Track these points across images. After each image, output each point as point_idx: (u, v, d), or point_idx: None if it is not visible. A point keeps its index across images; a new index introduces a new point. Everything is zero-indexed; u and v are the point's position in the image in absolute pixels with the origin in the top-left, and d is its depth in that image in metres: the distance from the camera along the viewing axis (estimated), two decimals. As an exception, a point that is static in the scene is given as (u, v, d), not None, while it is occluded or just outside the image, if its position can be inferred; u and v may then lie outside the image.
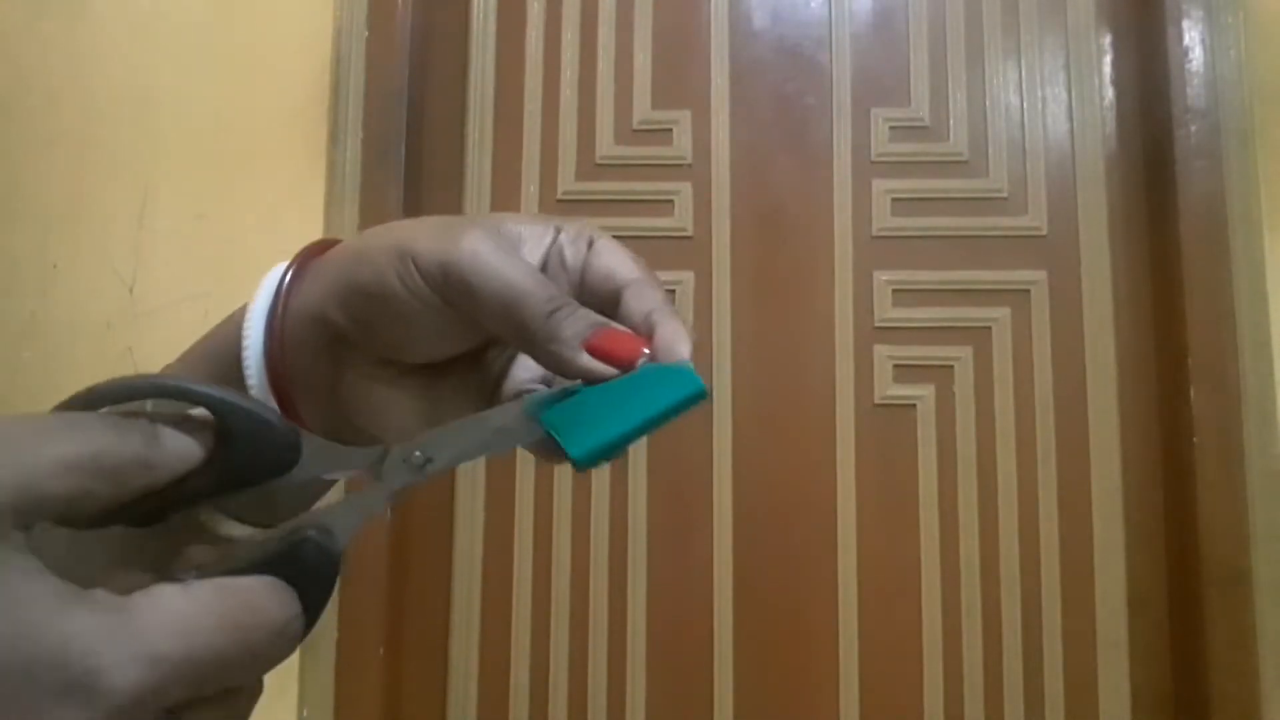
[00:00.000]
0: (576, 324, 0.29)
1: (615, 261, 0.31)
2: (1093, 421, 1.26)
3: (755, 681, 1.23)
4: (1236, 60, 1.22)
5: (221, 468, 0.25)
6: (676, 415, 0.29)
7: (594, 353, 0.29)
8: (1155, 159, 1.27)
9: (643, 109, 1.33)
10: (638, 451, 1.27)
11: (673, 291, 1.29)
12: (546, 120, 1.34)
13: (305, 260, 0.32)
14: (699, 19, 1.35)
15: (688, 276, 1.29)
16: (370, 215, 1.22)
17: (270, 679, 0.24)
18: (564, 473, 1.27)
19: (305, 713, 1.15)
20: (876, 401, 1.27)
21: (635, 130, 1.33)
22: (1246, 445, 1.15)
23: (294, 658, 1.15)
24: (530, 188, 1.32)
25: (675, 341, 0.29)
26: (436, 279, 0.29)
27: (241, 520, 0.29)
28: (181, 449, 0.24)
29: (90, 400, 0.24)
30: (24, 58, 1.29)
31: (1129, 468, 1.25)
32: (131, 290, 1.24)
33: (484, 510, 1.28)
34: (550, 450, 0.30)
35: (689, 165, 1.32)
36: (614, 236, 0.33)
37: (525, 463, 1.28)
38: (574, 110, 1.34)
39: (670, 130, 1.33)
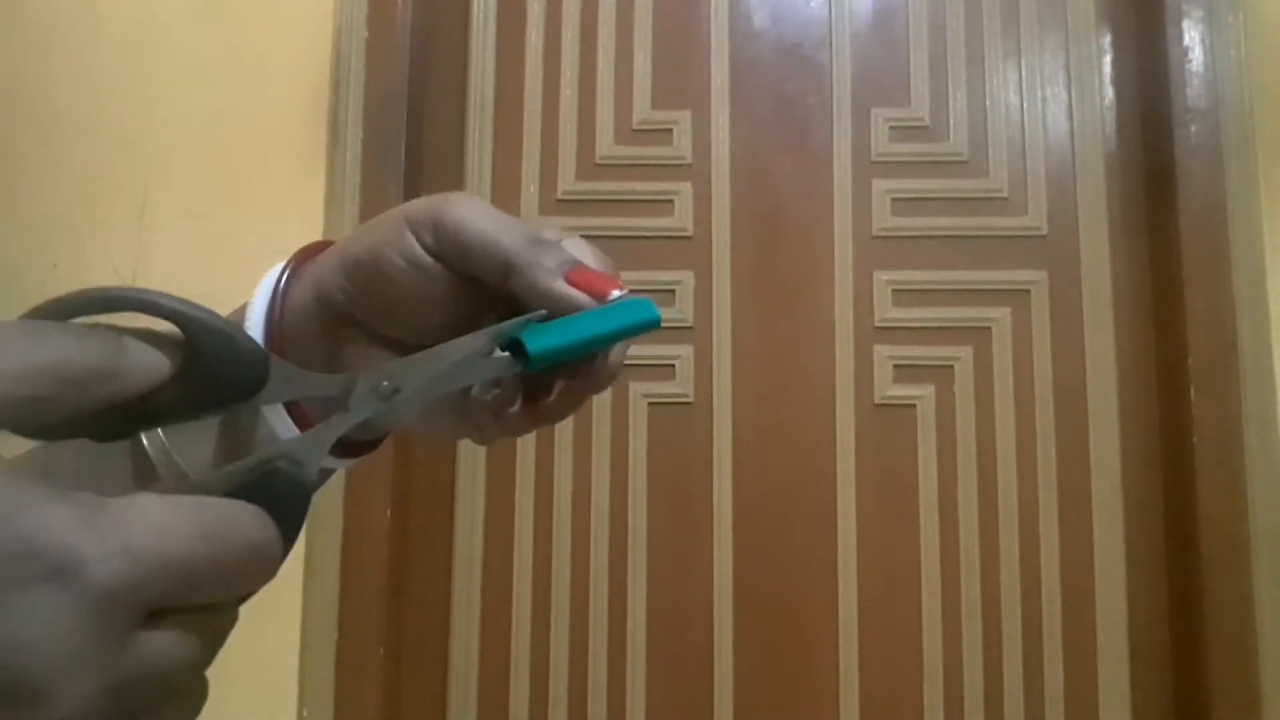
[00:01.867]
0: (559, 255, 0.32)
1: (580, 251, 0.33)
2: (1093, 421, 1.26)
3: (755, 682, 1.23)
4: (1236, 60, 1.22)
5: (188, 385, 0.25)
6: (628, 336, 0.32)
7: (571, 283, 0.31)
8: (1155, 159, 1.27)
9: (643, 109, 1.33)
10: (638, 451, 1.27)
11: (672, 291, 1.29)
12: (546, 120, 1.34)
13: (302, 259, 0.34)
14: (699, 19, 1.35)
15: (688, 276, 1.29)
16: (370, 215, 1.21)
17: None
18: (564, 473, 1.27)
19: (305, 713, 1.15)
20: (876, 401, 1.27)
21: (635, 130, 1.33)
22: (1246, 445, 1.15)
23: (294, 658, 1.16)
24: (530, 188, 1.32)
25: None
26: (429, 233, 0.31)
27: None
28: (147, 361, 0.24)
29: (56, 310, 0.24)
30: (24, 58, 1.29)
31: (1129, 468, 1.25)
32: (131, 290, 1.24)
33: (484, 510, 1.28)
34: (512, 367, 0.31)
35: (689, 165, 1.32)
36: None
37: (525, 463, 1.28)
38: (574, 110, 1.34)
39: (670, 130, 1.33)
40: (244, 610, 0.24)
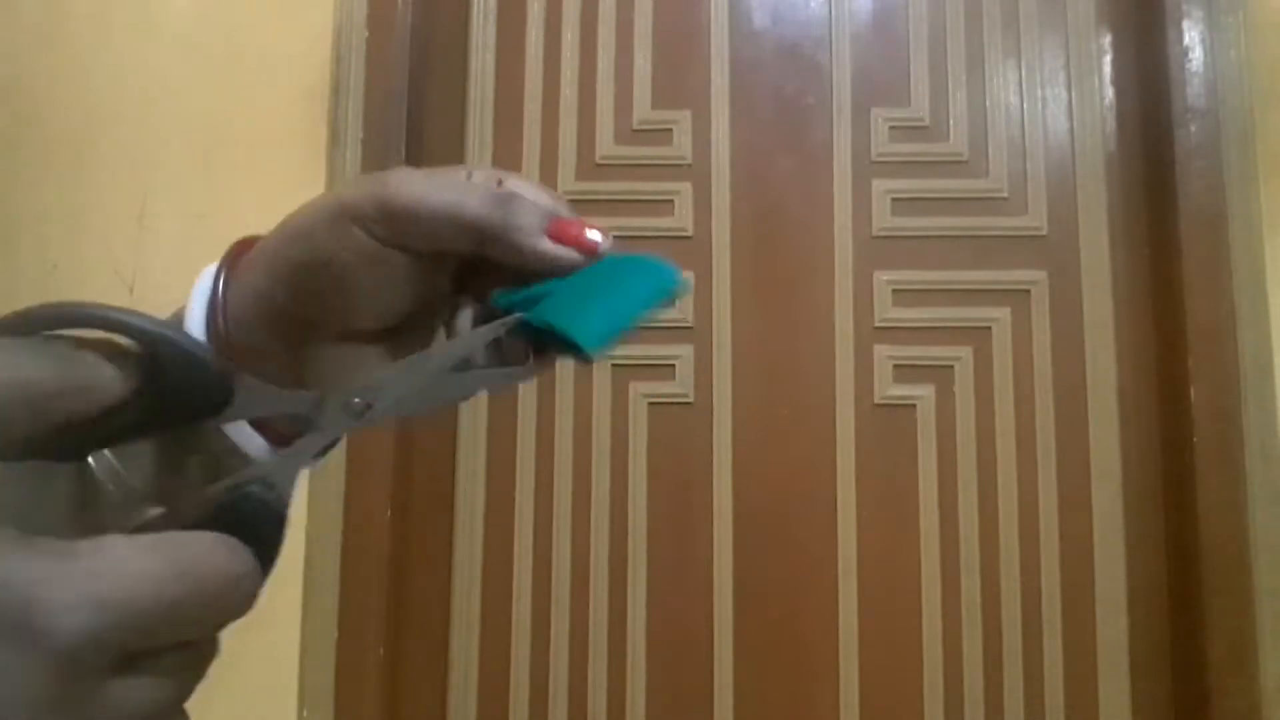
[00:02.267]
0: (531, 213, 0.29)
1: (531, 193, 0.31)
2: (1093, 421, 1.26)
3: (755, 681, 1.23)
4: (1236, 60, 1.22)
5: (149, 403, 0.24)
6: (656, 307, 0.30)
7: (554, 234, 0.29)
8: (1155, 159, 1.27)
9: (643, 109, 1.33)
10: (638, 451, 1.27)
11: (673, 291, 1.29)
12: (546, 120, 1.34)
13: (234, 260, 0.31)
14: (699, 19, 1.35)
15: (688, 276, 1.29)
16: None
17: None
18: (564, 473, 1.27)
19: (305, 713, 1.15)
20: (876, 401, 1.27)
21: (635, 130, 1.33)
22: (1246, 445, 1.15)
23: (294, 657, 1.16)
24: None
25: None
26: (377, 221, 0.28)
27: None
28: (105, 379, 0.23)
29: (19, 325, 0.23)
30: (24, 58, 1.29)
31: (1129, 468, 1.25)
32: (131, 290, 1.24)
33: (484, 510, 1.28)
34: (527, 373, 0.29)
35: (689, 165, 1.32)
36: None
37: (525, 463, 1.28)
38: (574, 110, 1.34)
39: (670, 130, 1.33)
40: None
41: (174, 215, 1.25)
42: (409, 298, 0.31)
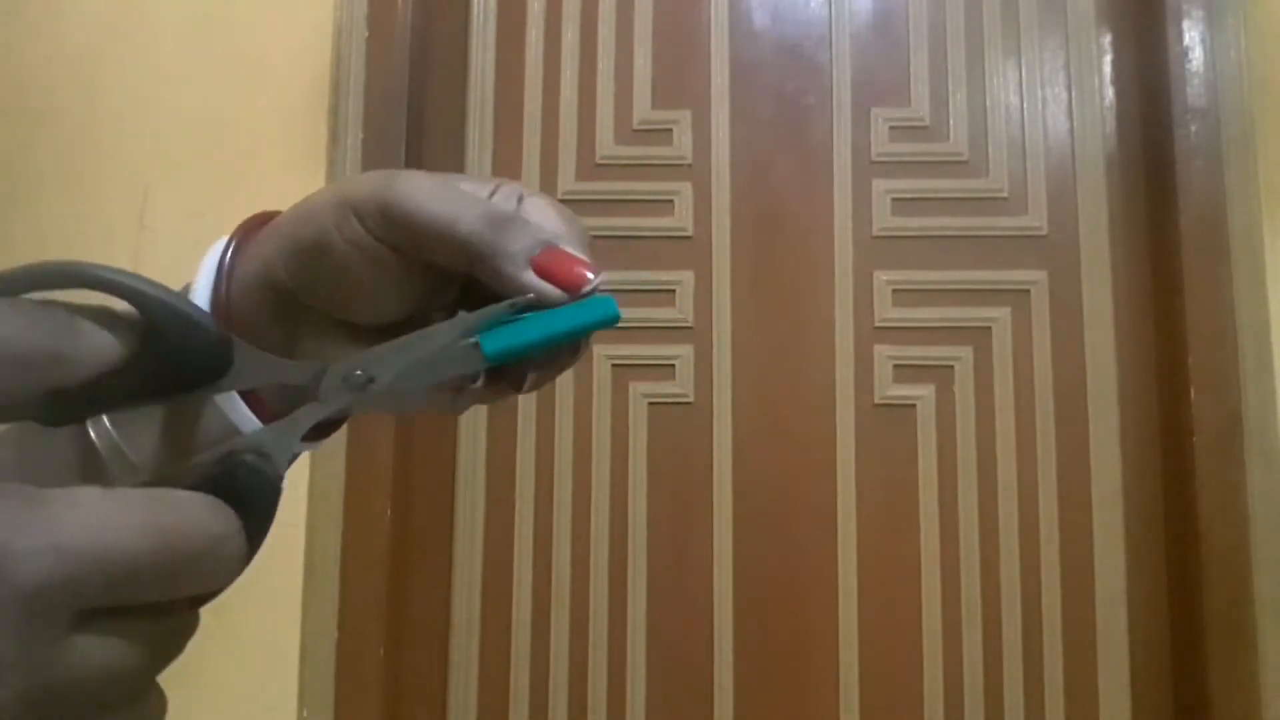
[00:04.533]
0: (524, 239, 0.28)
1: (543, 216, 0.31)
2: (1093, 421, 1.26)
3: (755, 681, 1.23)
4: (1236, 60, 1.22)
5: (144, 369, 0.23)
6: (588, 333, 0.29)
7: (541, 273, 0.28)
8: (1155, 159, 1.27)
9: (643, 109, 1.33)
10: (638, 451, 1.27)
11: (672, 292, 1.29)
12: (546, 120, 1.34)
13: (247, 233, 0.31)
14: (699, 19, 1.35)
15: (688, 276, 1.29)
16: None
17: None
18: (564, 473, 1.27)
19: (305, 713, 1.15)
20: (876, 401, 1.27)
21: (635, 130, 1.33)
22: (1246, 445, 1.15)
23: (294, 657, 1.16)
24: (530, 188, 1.32)
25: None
26: (376, 220, 0.28)
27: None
28: (99, 345, 0.23)
29: (8, 284, 0.22)
30: (24, 58, 1.29)
31: (1129, 468, 1.25)
32: (131, 290, 1.24)
33: (484, 510, 1.28)
34: (477, 360, 0.29)
35: (689, 165, 1.32)
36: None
37: (525, 462, 1.28)
38: (574, 110, 1.34)
39: (670, 130, 1.33)
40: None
41: (174, 215, 1.25)
42: (407, 299, 0.30)
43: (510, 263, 0.28)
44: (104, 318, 0.23)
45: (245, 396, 0.29)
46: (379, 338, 0.30)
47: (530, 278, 0.28)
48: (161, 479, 0.22)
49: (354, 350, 0.29)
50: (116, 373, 0.23)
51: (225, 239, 0.31)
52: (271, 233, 0.30)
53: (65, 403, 0.22)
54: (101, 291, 0.23)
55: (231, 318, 0.30)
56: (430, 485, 1.28)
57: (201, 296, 0.30)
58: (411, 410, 0.33)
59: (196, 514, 0.21)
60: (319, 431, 0.32)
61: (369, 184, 0.29)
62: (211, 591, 0.21)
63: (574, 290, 0.28)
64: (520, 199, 0.31)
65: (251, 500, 0.23)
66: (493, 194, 0.31)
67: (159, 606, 0.20)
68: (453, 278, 0.31)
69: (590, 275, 0.28)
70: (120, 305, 0.24)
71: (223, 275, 0.30)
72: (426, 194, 0.28)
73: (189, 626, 0.22)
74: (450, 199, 0.28)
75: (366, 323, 0.31)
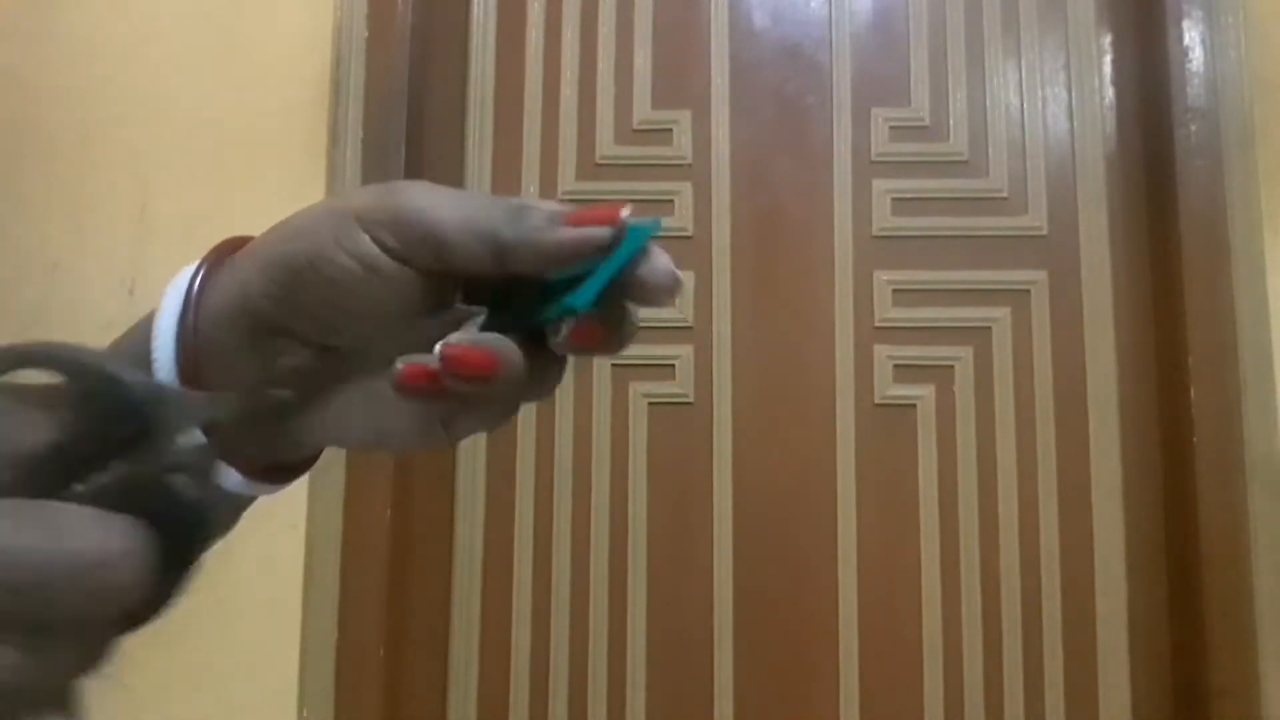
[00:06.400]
0: (544, 212, 0.28)
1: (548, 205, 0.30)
2: (1093, 421, 1.26)
3: (755, 682, 1.23)
4: (1236, 60, 1.22)
5: (76, 445, 0.22)
6: (637, 253, 0.28)
7: (574, 220, 0.27)
8: (1155, 159, 1.27)
9: (643, 109, 1.33)
10: (638, 451, 1.27)
11: (673, 291, 1.29)
12: (546, 120, 1.34)
13: (217, 259, 0.29)
14: (699, 19, 1.35)
15: (688, 276, 1.29)
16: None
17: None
18: (564, 473, 1.27)
19: (305, 713, 1.15)
20: (876, 401, 1.27)
21: (635, 130, 1.33)
22: (1246, 445, 1.15)
23: (294, 658, 1.16)
24: (530, 188, 1.32)
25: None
26: (389, 231, 0.27)
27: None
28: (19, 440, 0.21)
29: None
30: (24, 58, 1.29)
31: (1129, 468, 1.25)
32: (131, 290, 1.24)
33: (484, 510, 1.28)
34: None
35: (689, 165, 1.32)
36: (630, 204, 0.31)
37: (525, 462, 1.28)
38: (574, 110, 1.34)
39: (670, 130, 1.33)
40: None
41: (174, 215, 1.25)
42: (401, 315, 0.29)
43: (544, 232, 0.27)
44: (31, 401, 0.22)
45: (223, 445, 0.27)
46: (359, 360, 0.29)
47: (568, 232, 0.27)
48: (72, 495, 0.21)
49: (335, 387, 0.28)
50: (47, 457, 0.21)
51: (194, 265, 0.29)
52: (251, 256, 0.28)
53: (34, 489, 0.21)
54: (37, 369, 0.22)
55: (200, 348, 0.28)
56: (430, 485, 1.28)
57: (166, 327, 0.28)
58: (394, 444, 0.30)
59: (85, 530, 0.19)
60: (286, 473, 0.30)
61: (371, 196, 0.28)
62: (103, 616, 0.20)
63: (613, 222, 0.28)
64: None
65: (170, 524, 0.21)
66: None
67: (37, 627, 0.19)
68: (445, 288, 0.29)
69: (621, 211, 0.28)
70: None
71: (190, 304, 0.28)
72: (439, 199, 0.27)
73: (93, 645, 0.21)
74: (463, 200, 0.27)
75: (351, 344, 0.29)
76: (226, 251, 0.30)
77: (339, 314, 0.28)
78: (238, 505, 0.31)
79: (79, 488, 0.22)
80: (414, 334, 0.30)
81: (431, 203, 0.27)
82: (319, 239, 0.27)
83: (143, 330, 0.29)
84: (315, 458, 0.32)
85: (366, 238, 0.27)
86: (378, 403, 0.29)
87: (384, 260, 0.27)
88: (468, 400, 0.29)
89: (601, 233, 0.27)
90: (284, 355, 0.28)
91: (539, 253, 0.27)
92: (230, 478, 0.29)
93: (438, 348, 0.26)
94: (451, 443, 0.30)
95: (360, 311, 0.28)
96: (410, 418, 0.29)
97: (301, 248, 0.27)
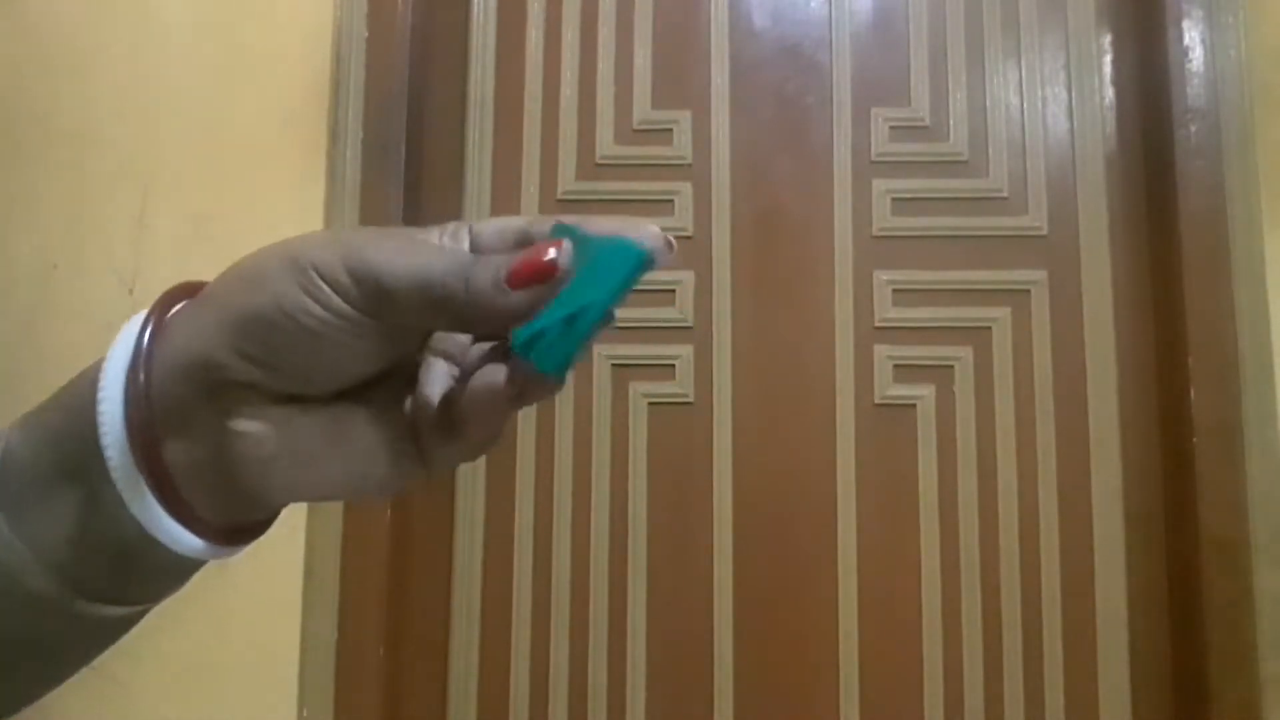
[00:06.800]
0: (489, 269, 0.26)
1: (499, 221, 0.30)
2: (1093, 421, 1.26)
3: (755, 682, 1.23)
4: (1236, 60, 1.22)
5: None
6: (631, 285, 0.27)
7: (515, 282, 0.26)
8: (1155, 159, 1.27)
9: (643, 109, 1.33)
10: (638, 451, 1.27)
11: (672, 292, 1.29)
12: (546, 120, 1.34)
13: (167, 308, 0.28)
14: (699, 19, 1.35)
15: (688, 276, 1.29)
16: (370, 215, 1.22)
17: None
18: (564, 474, 1.27)
19: (305, 713, 1.15)
20: (876, 401, 1.27)
21: (635, 130, 1.33)
22: (1246, 445, 1.15)
23: (294, 657, 1.16)
24: (530, 188, 1.32)
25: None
26: (345, 285, 0.26)
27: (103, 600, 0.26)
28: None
29: None
30: (25, 58, 1.29)
31: (1129, 468, 1.25)
32: (131, 290, 1.24)
33: (484, 510, 1.28)
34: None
35: (689, 165, 1.32)
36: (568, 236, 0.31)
37: (525, 462, 1.28)
38: (574, 110, 1.34)
39: (670, 130, 1.33)
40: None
41: (174, 215, 1.25)
42: (369, 362, 0.28)
43: (487, 296, 0.26)
44: None
45: (171, 501, 0.26)
46: (321, 408, 0.28)
47: (510, 298, 0.26)
48: None
49: (292, 423, 0.27)
50: None
51: (143, 315, 0.28)
52: (208, 305, 0.27)
53: None
54: None
55: (152, 401, 0.26)
56: (430, 486, 1.28)
57: (114, 378, 0.26)
58: (358, 490, 0.29)
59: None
60: (243, 534, 0.29)
61: (326, 247, 0.26)
62: None
63: (552, 276, 0.26)
64: (470, 229, 0.30)
65: None
66: (441, 236, 0.30)
67: None
68: (411, 335, 0.29)
69: (553, 253, 0.26)
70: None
71: (140, 358, 0.26)
72: (395, 253, 0.26)
73: None
74: (417, 253, 0.26)
75: (317, 392, 0.28)
76: (176, 299, 0.28)
77: (304, 363, 0.27)
78: (189, 569, 0.29)
79: None
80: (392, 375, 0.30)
81: (389, 254, 0.26)
82: (285, 291, 0.26)
83: (87, 380, 0.27)
84: (276, 515, 0.31)
85: (326, 287, 0.26)
86: (350, 445, 0.28)
87: (351, 312, 0.26)
88: (448, 430, 0.28)
89: (537, 296, 0.26)
90: (244, 405, 0.27)
91: (488, 317, 0.26)
92: (186, 541, 0.27)
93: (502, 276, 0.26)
94: (431, 477, 0.29)
95: (325, 359, 0.27)
96: (386, 455, 0.28)
97: (268, 301, 0.26)
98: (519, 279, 0.26)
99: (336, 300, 0.26)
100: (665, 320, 1.28)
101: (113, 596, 0.27)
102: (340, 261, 0.26)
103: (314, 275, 0.26)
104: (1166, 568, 1.23)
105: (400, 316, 0.26)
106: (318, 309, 0.26)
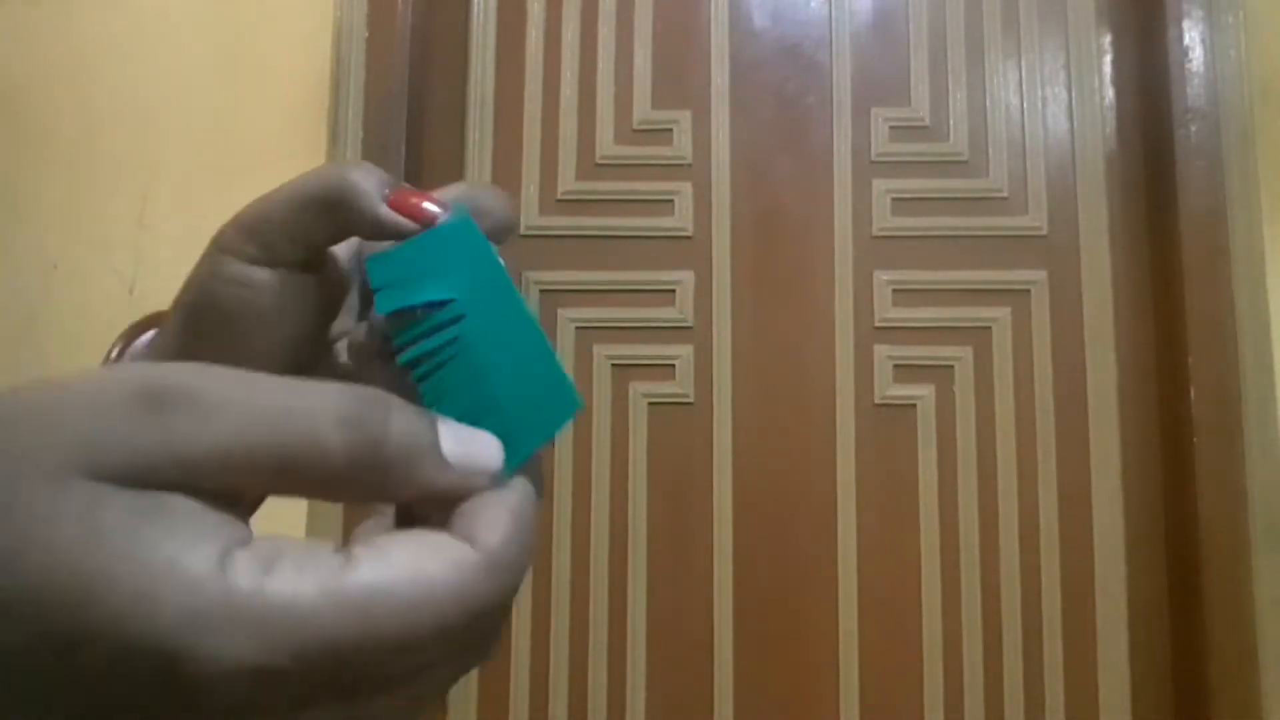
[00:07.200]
0: (370, 177, 0.28)
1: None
2: (1093, 421, 1.26)
3: (755, 681, 1.23)
4: (1236, 60, 1.22)
5: None
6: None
7: (395, 207, 0.27)
8: (1155, 159, 1.27)
9: (643, 109, 1.33)
10: (638, 451, 1.27)
11: (672, 292, 1.29)
12: (546, 120, 1.34)
13: (130, 340, 0.29)
14: (699, 19, 1.35)
15: (688, 276, 1.29)
16: (370, 215, 1.22)
17: None
18: (563, 474, 1.27)
19: (305, 713, 1.15)
20: (876, 401, 1.27)
21: (635, 130, 1.33)
22: (1246, 445, 1.15)
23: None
24: (530, 188, 1.32)
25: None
26: (236, 241, 0.28)
27: None
28: None
29: None
30: (23, 59, 1.29)
31: (1129, 468, 1.25)
32: (131, 290, 1.24)
33: (484, 510, 1.28)
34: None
35: (689, 165, 1.32)
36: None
37: (525, 463, 1.28)
38: (574, 110, 1.34)
39: (670, 130, 1.33)
40: None
41: (174, 216, 1.25)
42: (301, 327, 0.29)
43: (369, 200, 0.27)
44: None
45: None
46: None
47: (387, 212, 0.27)
48: None
49: None
50: None
51: (116, 349, 0.29)
52: (168, 314, 0.29)
53: None
54: None
55: None
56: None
57: None
58: None
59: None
60: None
61: (227, 225, 0.28)
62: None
63: (430, 222, 0.27)
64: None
65: None
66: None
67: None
68: (335, 282, 0.30)
69: (434, 208, 0.27)
70: None
71: None
72: (269, 191, 0.28)
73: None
74: (290, 182, 0.28)
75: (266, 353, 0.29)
76: (141, 330, 0.30)
77: (246, 346, 0.28)
78: None
79: None
80: (325, 359, 0.31)
81: (264, 194, 0.28)
82: (198, 281, 0.28)
83: None
84: None
85: (229, 258, 0.27)
86: None
87: (255, 271, 0.27)
88: None
89: (411, 226, 0.27)
90: None
91: (362, 218, 0.27)
92: None
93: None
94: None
95: (266, 336, 0.28)
96: None
97: (190, 297, 0.28)
98: (397, 204, 0.27)
99: (238, 266, 0.27)
100: (665, 320, 1.28)
101: None
102: (234, 224, 0.28)
103: (215, 253, 0.28)
104: (1166, 568, 1.23)
105: (288, 239, 0.27)
106: (221, 285, 0.27)
